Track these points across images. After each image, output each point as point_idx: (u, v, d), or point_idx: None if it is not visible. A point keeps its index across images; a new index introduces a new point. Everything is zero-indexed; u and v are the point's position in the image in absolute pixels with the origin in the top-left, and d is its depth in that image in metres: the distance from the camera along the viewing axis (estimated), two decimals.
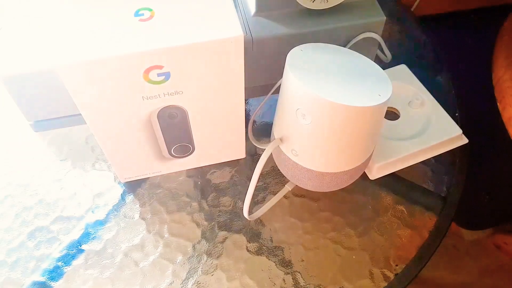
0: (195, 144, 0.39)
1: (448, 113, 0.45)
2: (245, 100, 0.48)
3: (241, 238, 0.39)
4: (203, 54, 0.30)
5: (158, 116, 0.34)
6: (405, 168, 0.43)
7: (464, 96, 0.49)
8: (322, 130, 0.32)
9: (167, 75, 0.31)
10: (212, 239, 0.39)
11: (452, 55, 0.55)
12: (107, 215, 0.41)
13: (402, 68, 0.49)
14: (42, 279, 0.38)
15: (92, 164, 0.44)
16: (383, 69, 0.49)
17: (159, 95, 0.32)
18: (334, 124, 0.32)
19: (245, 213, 0.37)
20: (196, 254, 0.39)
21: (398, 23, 0.57)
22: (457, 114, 0.48)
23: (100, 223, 0.40)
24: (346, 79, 0.33)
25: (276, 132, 0.37)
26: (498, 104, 0.46)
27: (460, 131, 0.44)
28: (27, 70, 0.39)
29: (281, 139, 0.36)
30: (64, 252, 0.39)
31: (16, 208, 0.41)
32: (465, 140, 0.45)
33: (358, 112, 0.31)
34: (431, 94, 0.46)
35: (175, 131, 0.37)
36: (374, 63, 0.35)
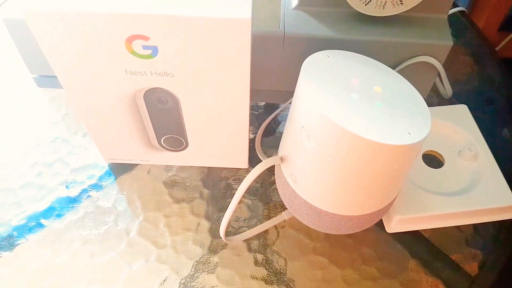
0: (188, 140, 0.34)
1: (505, 176, 0.36)
2: (265, 104, 0.42)
3: (214, 261, 0.33)
4: (198, 33, 0.24)
5: (145, 98, 0.29)
6: (433, 228, 0.35)
7: None
8: (326, 160, 0.25)
9: (154, 50, 0.25)
10: (181, 252, 0.34)
11: None
12: (80, 194, 0.36)
13: (462, 109, 0.41)
14: None
15: (83, 134, 0.40)
16: (439, 105, 0.42)
17: (145, 72, 0.27)
18: (342, 156, 0.25)
19: (222, 234, 0.31)
20: (158, 266, 0.33)
21: (472, 57, 0.48)
22: None
23: (70, 201, 0.36)
24: (373, 104, 0.26)
25: (280, 148, 0.31)
26: None
27: None
28: None
29: (281, 158, 0.30)
30: (23, 222, 0.35)
31: None
32: None
33: (375, 149, 0.24)
34: (490, 147, 0.38)
35: (164, 119, 0.31)
36: (417, 91, 0.28)
